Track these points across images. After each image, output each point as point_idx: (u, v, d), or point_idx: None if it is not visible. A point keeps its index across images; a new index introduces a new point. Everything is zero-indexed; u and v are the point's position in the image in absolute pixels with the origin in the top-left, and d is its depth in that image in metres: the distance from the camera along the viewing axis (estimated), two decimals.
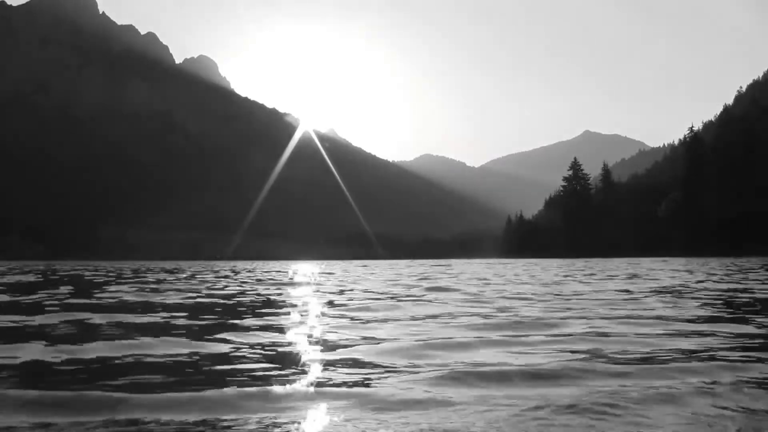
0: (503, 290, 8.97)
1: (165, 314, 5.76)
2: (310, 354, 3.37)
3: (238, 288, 10.18)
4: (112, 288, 10.19)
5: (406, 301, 6.98)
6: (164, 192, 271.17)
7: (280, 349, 3.48)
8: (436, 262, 53.04)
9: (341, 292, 8.71)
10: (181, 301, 7.29)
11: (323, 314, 5.63)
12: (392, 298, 7.54)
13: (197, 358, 3.30)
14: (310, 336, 4.04)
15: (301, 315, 5.60)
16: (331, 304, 6.75)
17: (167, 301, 7.34)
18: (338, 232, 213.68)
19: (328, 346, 3.61)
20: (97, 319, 5.19)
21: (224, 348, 3.56)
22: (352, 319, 5.18)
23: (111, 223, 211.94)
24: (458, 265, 31.97)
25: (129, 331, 4.47)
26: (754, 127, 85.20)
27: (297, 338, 3.94)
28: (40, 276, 17.51)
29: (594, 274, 15.62)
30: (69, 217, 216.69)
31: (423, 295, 7.74)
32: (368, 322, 4.94)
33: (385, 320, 4.95)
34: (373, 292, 8.47)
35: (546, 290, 8.97)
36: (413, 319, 5.20)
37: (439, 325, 4.76)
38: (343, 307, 6.25)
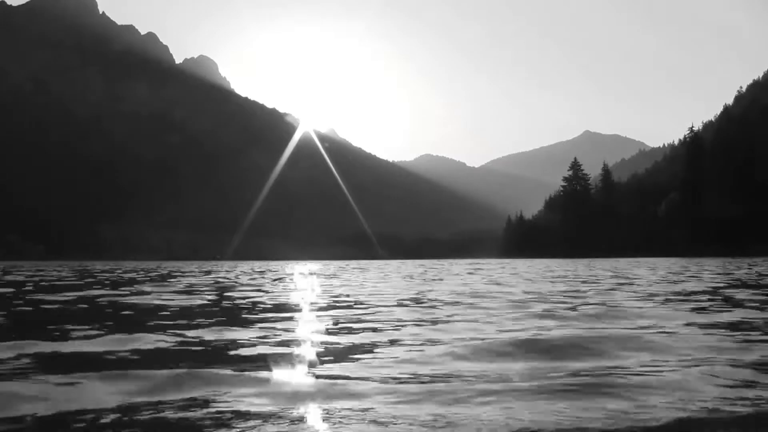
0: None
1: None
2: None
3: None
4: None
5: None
6: (164, 192, 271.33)
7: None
8: (449, 262, 53.03)
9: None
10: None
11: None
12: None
13: None
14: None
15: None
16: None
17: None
18: (338, 232, 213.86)
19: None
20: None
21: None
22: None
23: (111, 223, 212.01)
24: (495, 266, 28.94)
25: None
26: (754, 127, 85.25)
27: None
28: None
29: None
30: (69, 217, 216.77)
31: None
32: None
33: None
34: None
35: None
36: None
37: None
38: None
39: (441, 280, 13.25)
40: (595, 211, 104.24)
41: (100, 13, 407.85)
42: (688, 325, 4.40)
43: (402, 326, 4.58)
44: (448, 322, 4.79)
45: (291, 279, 15.15)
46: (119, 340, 3.82)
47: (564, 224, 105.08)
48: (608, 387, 2.32)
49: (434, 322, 4.77)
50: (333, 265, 38.60)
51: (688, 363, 2.88)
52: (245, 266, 37.33)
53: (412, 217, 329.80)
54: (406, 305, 6.51)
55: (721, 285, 9.68)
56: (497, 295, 7.84)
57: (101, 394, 2.32)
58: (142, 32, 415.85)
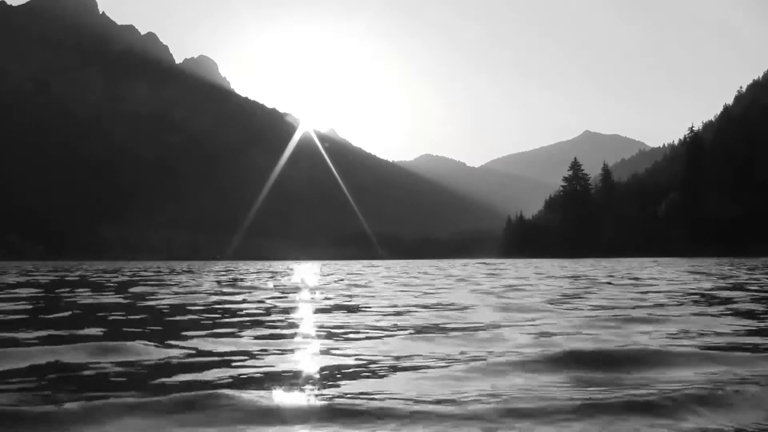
0: None
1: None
2: None
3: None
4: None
5: None
6: (164, 192, 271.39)
7: None
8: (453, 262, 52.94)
9: None
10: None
11: None
12: None
13: None
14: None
15: None
16: None
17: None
18: (338, 232, 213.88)
19: None
20: None
21: None
22: None
23: (111, 223, 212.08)
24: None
25: None
26: (754, 127, 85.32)
27: None
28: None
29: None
30: (69, 217, 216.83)
31: None
32: None
33: None
34: None
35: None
36: None
37: None
38: None
39: (456, 279, 13.15)
40: (595, 211, 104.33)
41: (100, 13, 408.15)
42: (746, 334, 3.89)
43: (432, 334, 3.97)
44: (481, 329, 4.20)
45: (297, 279, 15.12)
46: (103, 349, 3.24)
47: (564, 224, 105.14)
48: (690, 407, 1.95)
49: (465, 330, 4.16)
50: (337, 265, 38.56)
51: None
52: (246, 266, 37.33)
53: (412, 217, 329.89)
54: (432, 309, 5.75)
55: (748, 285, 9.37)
56: (523, 298, 7.22)
57: (80, 419, 1.90)
58: (142, 32, 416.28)
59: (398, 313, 5.48)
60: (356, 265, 36.13)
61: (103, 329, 4.45)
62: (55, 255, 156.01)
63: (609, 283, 10.64)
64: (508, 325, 4.46)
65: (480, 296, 7.53)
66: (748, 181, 79.74)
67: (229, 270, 26.01)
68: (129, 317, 5.46)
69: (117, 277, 16.92)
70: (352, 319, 5.05)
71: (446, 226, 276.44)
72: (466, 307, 5.99)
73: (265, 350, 3.37)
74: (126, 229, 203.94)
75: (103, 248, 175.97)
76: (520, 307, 5.87)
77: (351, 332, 4.17)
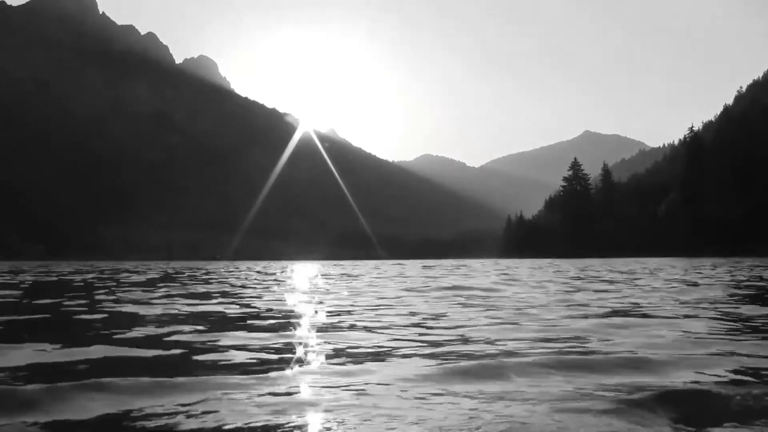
0: None
1: None
2: None
3: None
4: None
5: None
6: (164, 192, 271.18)
7: None
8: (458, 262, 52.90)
9: None
10: None
11: None
12: None
13: None
14: None
15: None
16: None
17: None
18: (338, 232, 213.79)
19: None
20: None
21: None
22: None
23: (111, 223, 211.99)
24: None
25: None
26: (754, 127, 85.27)
27: None
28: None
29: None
30: (69, 217, 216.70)
31: None
32: None
33: None
34: None
35: None
36: None
37: None
38: None
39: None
40: (595, 211, 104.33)
41: (100, 13, 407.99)
42: None
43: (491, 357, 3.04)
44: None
45: (309, 283, 15.00)
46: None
47: (564, 224, 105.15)
48: None
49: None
50: (344, 266, 38.42)
51: None
52: (248, 266, 37.21)
53: (412, 217, 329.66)
54: (491, 322, 4.74)
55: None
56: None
57: None
58: (142, 32, 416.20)
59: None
60: (366, 266, 36.02)
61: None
62: (55, 255, 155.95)
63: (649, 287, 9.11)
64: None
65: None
66: (748, 181, 79.69)
67: (235, 270, 25.89)
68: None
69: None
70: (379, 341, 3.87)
71: (446, 226, 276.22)
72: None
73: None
74: (126, 229, 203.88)
75: (104, 248, 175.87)
76: None
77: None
